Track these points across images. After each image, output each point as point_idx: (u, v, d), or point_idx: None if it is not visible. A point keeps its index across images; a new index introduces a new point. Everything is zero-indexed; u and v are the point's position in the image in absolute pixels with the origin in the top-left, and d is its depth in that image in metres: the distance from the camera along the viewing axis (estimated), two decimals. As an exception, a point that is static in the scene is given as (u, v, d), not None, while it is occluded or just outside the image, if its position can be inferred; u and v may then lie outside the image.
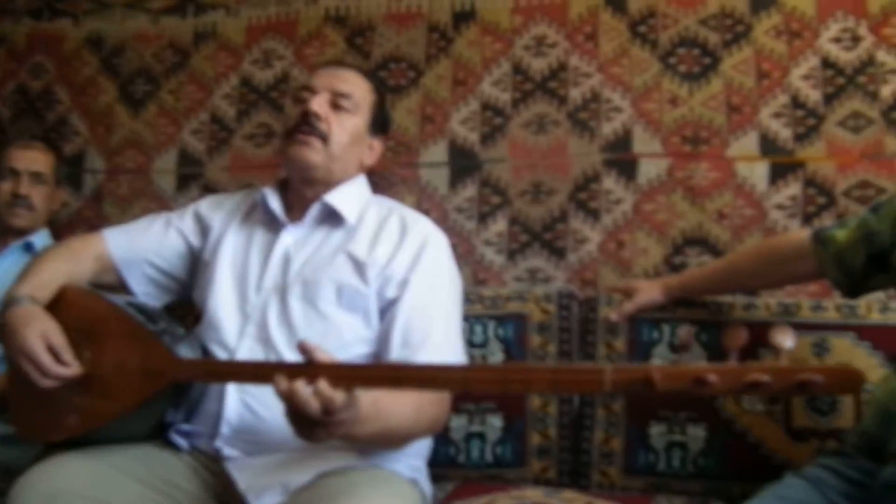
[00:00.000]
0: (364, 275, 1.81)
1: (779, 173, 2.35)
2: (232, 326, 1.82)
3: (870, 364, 1.95)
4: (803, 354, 1.99)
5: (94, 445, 1.68)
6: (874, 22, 2.38)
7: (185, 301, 2.05)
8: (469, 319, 2.12)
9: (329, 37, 2.71)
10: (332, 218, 1.90)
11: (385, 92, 2.18)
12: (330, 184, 1.91)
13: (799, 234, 1.96)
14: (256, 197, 1.98)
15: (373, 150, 2.01)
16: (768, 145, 2.37)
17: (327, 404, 1.30)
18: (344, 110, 1.91)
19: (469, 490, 1.96)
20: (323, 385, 1.30)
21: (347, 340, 1.78)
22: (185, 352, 1.72)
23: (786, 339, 1.13)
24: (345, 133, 1.91)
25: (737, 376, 1.12)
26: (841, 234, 1.81)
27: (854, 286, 1.82)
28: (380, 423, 1.51)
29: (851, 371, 1.12)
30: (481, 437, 2.11)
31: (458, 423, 2.10)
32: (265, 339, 1.78)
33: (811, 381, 1.09)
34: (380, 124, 2.01)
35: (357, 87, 1.96)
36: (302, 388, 1.31)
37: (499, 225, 2.47)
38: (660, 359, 2.06)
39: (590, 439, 2.08)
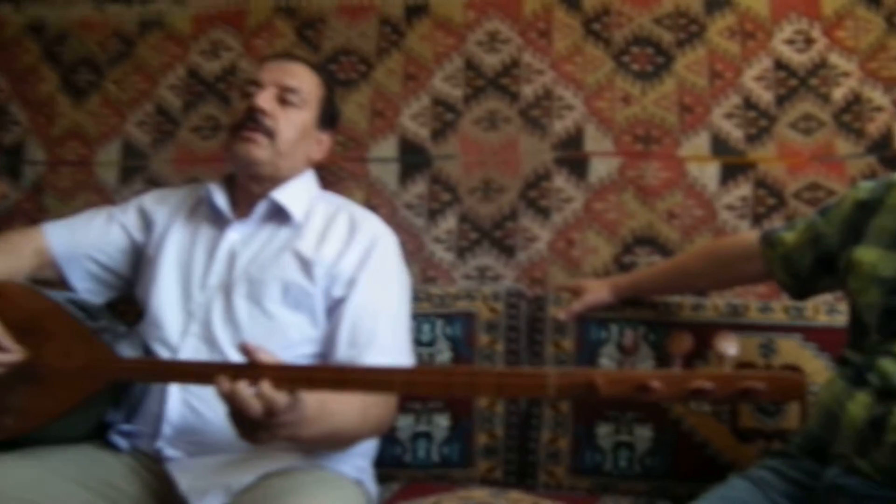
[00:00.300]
0: (311, 273, 1.78)
1: (729, 174, 2.35)
2: (175, 325, 1.79)
3: (816, 366, 1.97)
4: (750, 356, 2.00)
5: (31, 447, 1.64)
6: (827, 24, 2.39)
7: (128, 298, 2.00)
8: (417, 318, 2.09)
9: (279, 28, 2.65)
10: (279, 215, 1.87)
11: (334, 86, 2.14)
12: (277, 180, 1.88)
13: (748, 235, 1.97)
14: (202, 193, 1.94)
15: (321, 144, 1.97)
16: (720, 146, 2.37)
17: (270, 406, 1.29)
18: (291, 105, 1.88)
19: (415, 490, 1.95)
20: (265, 386, 1.29)
21: (293, 340, 1.76)
22: (127, 350, 1.69)
23: (729, 346, 1.14)
24: (292, 129, 1.88)
25: (680, 383, 1.12)
26: (789, 237, 1.81)
27: (801, 288, 1.83)
28: (325, 425, 1.49)
29: (794, 378, 1.13)
30: (428, 436, 2.08)
31: (405, 423, 2.08)
32: (209, 339, 1.75)
33: (754, 388, 1.10)
34: (328, 119, 1.98)
35: (305, 82, 1.93)
36: (244, 389, 1.29)
37: (448, 222, 2.44)
38: (607, 359, 2.06)
39: (537, 439, 2.07)
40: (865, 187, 1.73)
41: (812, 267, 1.78)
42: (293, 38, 2.64)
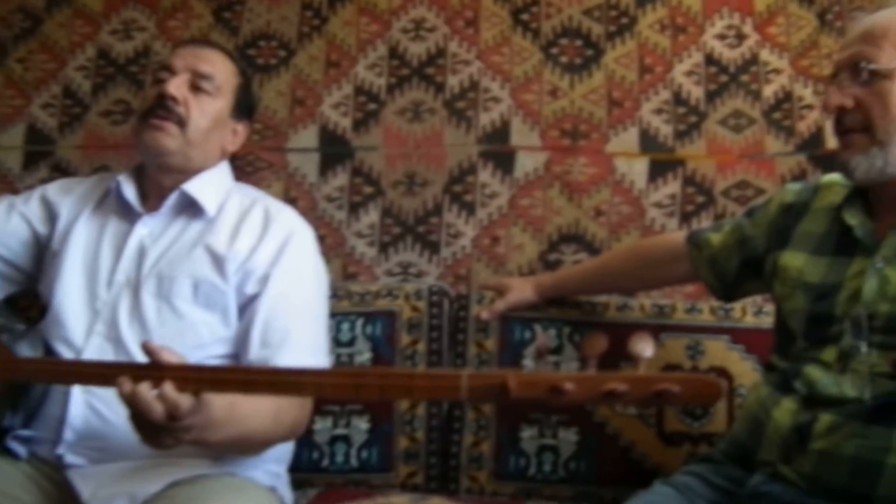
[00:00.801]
0: (223, 270, 1.71)
1: (658, 170, 2.32)
2: (79, 323, 1.70)
3: (744, 368, 1.96)
4: (678, 357, 1.98)
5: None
6: (759, 20, 2.37)
7: (30, 293, 1.89)
8: (336, 317, 2.02)
9: (195, 9, 2.54)
10: (190, 208, 1.79)
11: (251, 73, 2.06)
12: (188, 171, 1.79)
13: (674, 235, 1.98)
14: (110, 184, 1.84)
15: (237, 134, 1.89)
16: (648, 142, 2.34)
17: (172, 409, 1.24)
18: (204, 93, 1.79)
19: (332, 496, 1.91)
20: (168, 388, 1.23)
21: (204, 340, 1.69)
22: (26, 350, 1.62)
23: (645, 348, 1.10)
24: (204, 117, 1.79)
25: (594, 385, 1.09)
26: (715, 238, 1.81)
27: (727, 290, 1.83)
28: (234, 428, 1.43)
29: (709, 382, 1.10)
30: (346, 440, 2.02)
31: (322, 426, 2.01)
32: (115, 338, 1.67)
33: (668, 391, 1.07)
34: (244, 108, 1.90)
35: (220, 69, 1.84)
36: (145, 391, 1.24)
37: (370, 216, 2.37)
38: (531, 360, 2.01)
39: (459, 443, 2.02)
40: (792, 190, 1.73)
41: (738, 270, 1.77)
42: (210, 20, 2.53)
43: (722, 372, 1.95)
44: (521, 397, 1.11)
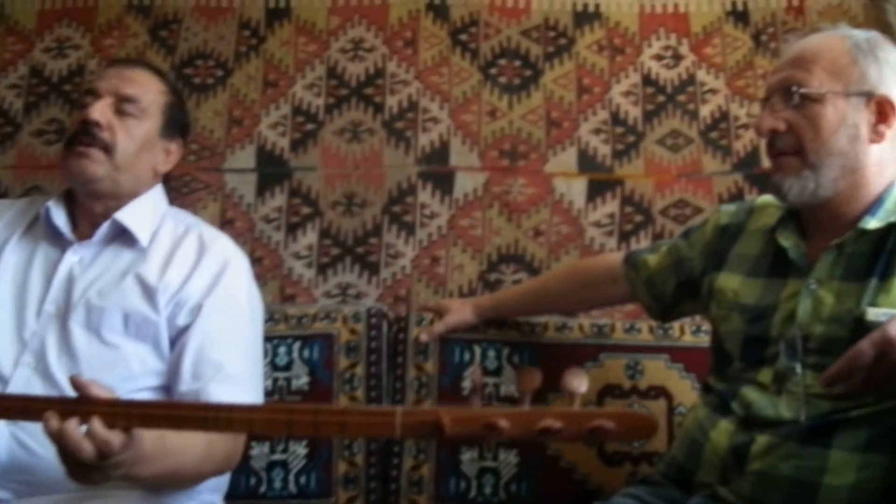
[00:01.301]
0: (154, 301, 1.67)
1: (597, 190, 2.33)
2: (6, 353, 1.64)
3: (683, 387, 1.96)
4: (617, 377, 1.98)
5: None
6: (696, 41, 2.40)
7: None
8: (273, 340, 2.00)
9: (131, 27, 2.50)
10: (123, 236, 1.75)
11: (182, 90, 2.03)
12: (119, 195, 1.75)
13: (612, 256, 1.99)
14: (40, 209, 1.78)
15: (170, 154, 1.84)
16: (587, 162, 2.34)
17: (102, 447, 1.20)
18: (130, 116, 1.75)
19: None
20: (97, 426, 1.19)
21: (135, 372, 1.64)
22: None
23: (579, 384, 1.10)
24: (132, 141, 1.74)
25: (529, 422, 1.09)
26: (652, 259, 1.82)
27: (664, 311, 1.85)
28: (165, 463, 1.40)
29: (644, 417, 1.12)
30: (284, 465, 1.98)
31: (259, 451, 1.97)
32: (43, 370, 1.62)
33: (603, 427, 1.07)
34: (177, 127, 1.85)
35: (146, 89, 1.79)
36: (73, 429, 1.20)
37: (308, 237, 2.33)
38: (470, 381, 1.99)
39: (399, 467, 1.99)
40: (727, 212, 1.75)
41: (675, 291, 1.79)
42: (146, 38, 2.49)
43: (661, 391, 1.96)
44: (455, 434, 1.10)
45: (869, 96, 1.50)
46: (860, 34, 1.56)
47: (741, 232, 1.68)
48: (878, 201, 1.50)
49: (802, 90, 1.48)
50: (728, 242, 1.69)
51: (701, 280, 1.71)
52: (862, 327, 1.38)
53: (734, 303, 1.59)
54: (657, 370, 1.98)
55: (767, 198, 1.71)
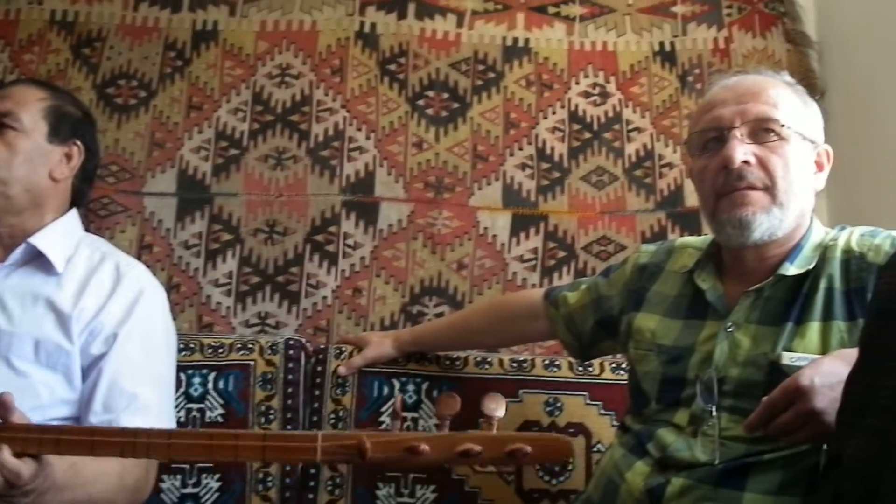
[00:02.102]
0: (68, 329, 1.63)
1: (521, 225, 2.33)
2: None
3: (602, 424, 1.96)
4: (536, 414, 1.96)
5: None
6: (623, 79, 2.43)
7: None
8: (187, 370, 1.95)
9: (53, 43, 2.44)
10: (37, 260, 1.70)
11: (66, 91, 1.94)
12: (18, 211, 1.71)
13: (533, 293, 1.98)
14: None
15: (71, 158, 1.78)
16: (512, 196, 2.35)
17: (12, 478, 1.18)
18: (10, 129, 1.71)
19: None
20: (6, 455, 1.17)
21: (44, 402, 1.59)
22: None
23: (497, 408, 1.13)
24: (14, 154, 1.70)
25: (448, 446, 1.11)
26: (572, 297, 1.82)
27: (583, 349, 1.84)
28: (77, 492, 1.38)
29: (560, 440, 1.13)
30: (196, 499, 1.92)
31: (171, 484, 1.91)
32: None
33: (520, 450, 1.09)
34: (68, 128, 1.79)
35: (22, 100, 1.75)
36: None
37: (228, 264, 2.29)
38: (389, 417, 1.96)
39: (314, 501, 1.95)
40: (647, 251, 1.75)
41: (593, 329, 1.78)
42: (68, 55, 2.43)
43: (580, 428, 1.95)
44: (376, 458, 1.10)
45: (814, 144, 1.53)
46: (796, 83, 1.59)
47: (660, 272, 1.68)
48: (796, 248, 1.51)
49: (782, 127, 1.48)
50: (647, 282, 1.69)
51: (619, 319, 1.71)
52: (777, 371, 1.39)
53: (652, 343, 1.59)
54: (576, 407, 1.97)
55: (687, 239, 1.72)
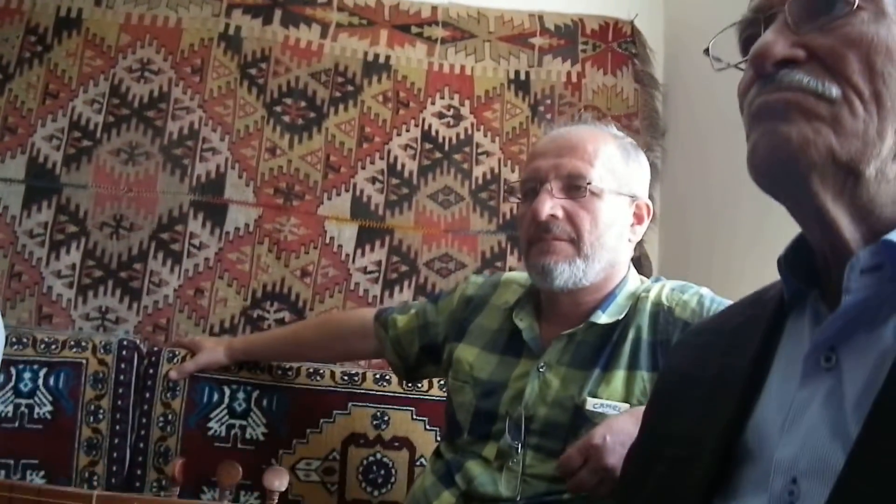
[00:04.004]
0: None
1: (367, 237, 2.38)
2: None
3: (426, 439, 2.02)
4: (363, 427, 2.02)
5: None
6: (477, 104, 2.49)
7: None
8: (17, 364, 1.94)
9: None
10: None
11: None
12: None
13: (364, 311, 2.00)
14: None
15: None
16: (360, 208, 2.39)
17: None
18: None
19: None
20: None
21: None
22: None
23: (278, 482, 1.16)
24: None
25: None
26: (401, 319, 1.85)
27: (408, 371, 1.88)
28: None
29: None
30: (18, 490, 1.92)
31: (-9, 476, 1.91)
32: None
33: None
34: None
35: None
36: None
37: (72, 256, 2.27)
38: (217, 422, 1.99)
39: None
40: (475, 283, 1.80)
41: (419, 353, 1.82)
42: (-76, 31, 2.37)
43: (405, 442, 2.01)
44: None
45: (633, 198, 1.59)
46: (624, 137, 1.64)
47: (484, 305, 1.73)
48: (610, 296, 1.58)
49: (590, 184, 1.52)
50: (471, 314, 1.73)
51: (443, 347, 1.75)
52: (581, 415, 1.47)
53: (469, 375, 1.63)
54: (403, 422, 2.03)
55: (513, 274, 1.77)
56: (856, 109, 0.73)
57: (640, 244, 2.32)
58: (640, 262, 2.39)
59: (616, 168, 1.57)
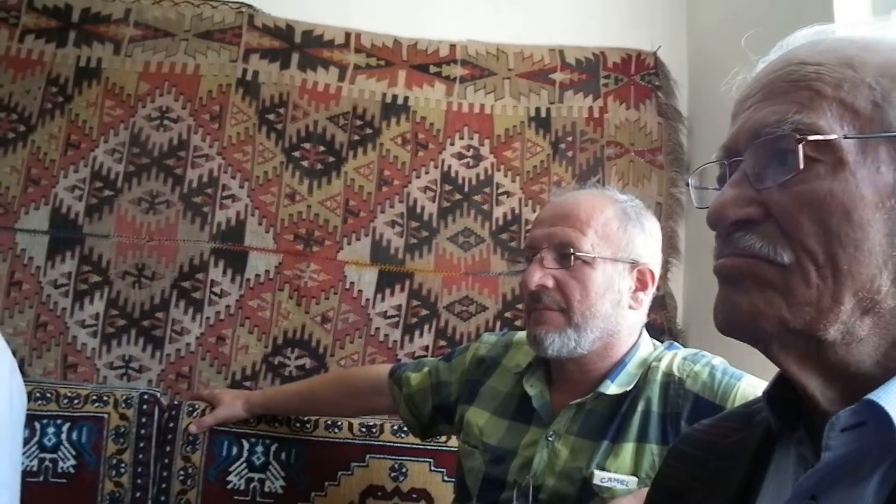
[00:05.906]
0: None
1: (387, 281, 2.37)
2: None
3: (444, 491, 1.99)
4: (382, 479, 2.01)
5: None
6: (497, 143, 2.47)
7: None
8: (42, 420, 1.96)
9: (-74, 70, 2.41)
10: None
11: None
12: None
13: (379, 368, 1.99)
14: None
15: None
16: (380, 253, 2.39)
17: None
18: None
19: None
20: None
21: None
22: None
23: None
24: None
25: None
26: (414, 378, 1.84)
27: (423, 429, 1.87)
28: None
29: None
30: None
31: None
32: None
33: None
34: None
35: None
36: None
37: (96, 306, 2.30)
38: (237, 476, 2.00)
39: (167, 491, 2.00)
40: (487, 342, 1.79)
41: (432, 413, 1.82)
42: (-56, 84, 2.40)
43: (423, 493, 2.01)
44: None
45: (633, 264, 1.56)
46: (627, 200, 1.61)
47: (496, 366, 1.72)
48: (620, 365, 1.55)
49: (578, 253, 1.51)
50: (483, 376, 1.72)
51: (455, 408, 1.75)
52: (587, 489, 1.45)
53: (479, 440, 1.62)
54: (421, 473, 2.02)
55: (525, 334, 1.74)
56: (809, 276, 0.71)
57: (663, 282, 2.31)
58: (663, 301, 2.37)
59: (611, 234, 1.55)
